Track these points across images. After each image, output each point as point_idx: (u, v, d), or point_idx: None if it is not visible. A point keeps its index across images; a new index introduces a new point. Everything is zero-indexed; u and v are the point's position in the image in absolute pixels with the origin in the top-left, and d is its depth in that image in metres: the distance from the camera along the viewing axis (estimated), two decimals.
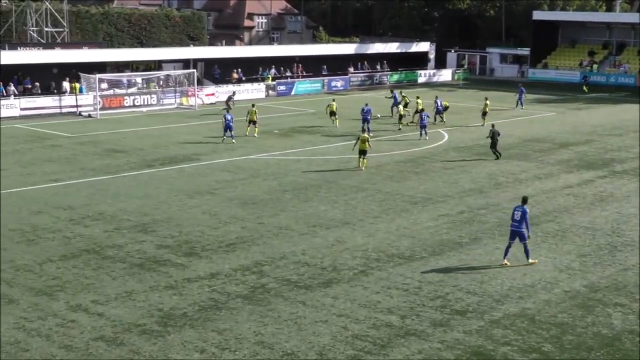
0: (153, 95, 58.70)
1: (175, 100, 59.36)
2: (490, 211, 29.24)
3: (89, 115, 53.62)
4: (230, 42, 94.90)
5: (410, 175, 35.29)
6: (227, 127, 43.00)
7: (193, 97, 59.09)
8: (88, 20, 75.60)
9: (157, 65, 65.04)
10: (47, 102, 54.26)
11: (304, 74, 73.77)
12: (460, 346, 17.43)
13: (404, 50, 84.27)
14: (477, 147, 42.64)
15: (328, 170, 35.99)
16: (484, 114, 50.51)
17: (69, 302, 19.64)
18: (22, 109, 52.53)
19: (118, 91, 58.05)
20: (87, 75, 55.65)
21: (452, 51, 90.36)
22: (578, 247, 25.00)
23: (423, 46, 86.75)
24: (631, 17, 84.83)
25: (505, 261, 22.95)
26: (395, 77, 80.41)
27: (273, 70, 71.20)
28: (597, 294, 20.86)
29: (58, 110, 54.25)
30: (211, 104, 59.76)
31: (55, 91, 56.41)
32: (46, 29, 67.31)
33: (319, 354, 16.95)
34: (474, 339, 17.85)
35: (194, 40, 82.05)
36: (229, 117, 43.18)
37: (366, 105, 46.70)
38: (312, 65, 74.59)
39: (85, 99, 55.32)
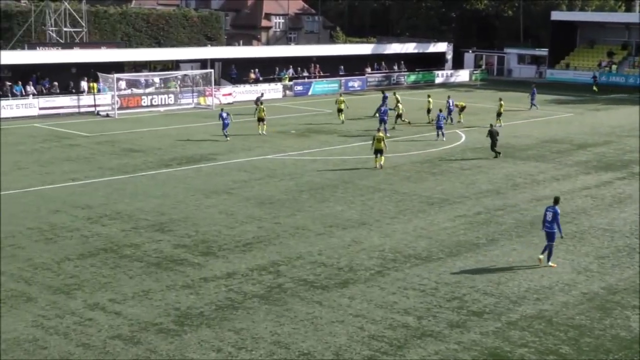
0: (171, 95, 58.89)
1: (193, 100, 59.51)
2: (508, 212, 29.12)
3: (107, 115, 53.87)
4: (248, 42, 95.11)
5: (427, 176, 35.22)
6: (225, 125, 43.74)
7: (210, 97, 59.23)
8: (106, 21, 75.95)
9: (175, 65, 65.25)
10: (65, 102, 54.56)
11: (321, 74, 73.75)
12: (477, 347, 17.37)
13: (421, 51, 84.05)
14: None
15: (345, 170, 35.97)
16: (499, 114, 50.36)
17: (87, 301, 19.73)
18: (40, 109, 52.84)
19: (136, 91, 58.28)
20: (105, 75, 55.92)
21: (470, 52, 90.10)
22: (596, 249, 24.85)
23: (440, 46, 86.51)
24: None
25: (541, 256, 22.94)
26: (413, 77, 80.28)
27: (290, 70, 71.28)
28: (615, 296, 20.73)
29: (76, 110, 54.53)
30: (228, 103, 59.85)
31: (74, 91, 56.70)
32: (65, 29, 67.63)
33: (335, 354, 16.94)
34: (491, 340, 17.78)
35: (211, 40, 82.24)
36: (224, 115, 43.92)
37: (383, 105, 46.61)
38: (330, 66, 74.57)
39: (103, 99, 55.57)
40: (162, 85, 60.27)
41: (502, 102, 50.69)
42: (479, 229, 26.90)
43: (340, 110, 50.89)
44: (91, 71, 57.36)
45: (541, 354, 17.08)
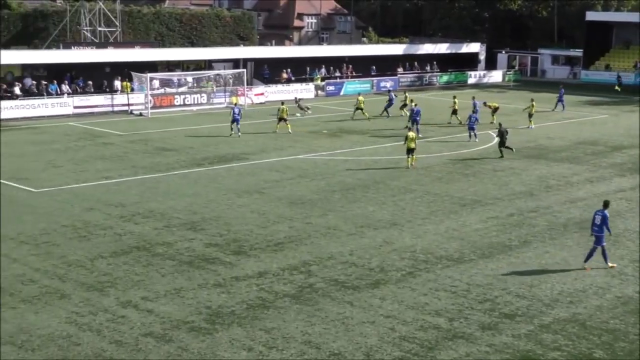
0: (203, 95, 59.17)
1: (225, 100, 59.74)
2: (541, 214, 28.89)
3: (140, 114, 54.26)
4: (280, 42, 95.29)
5: (460, 177, 35.05)
6: (234, 121, 44.49)
7: (242, 96, 59.44)
8: (140, 20, 76.49)
9: (208, 64, 65.56)
10: (99, 101, 55.02)
11: (354, 74, 73.68)
12: (508, 350, 17.25)
13: (453, 51, 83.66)
14: (527, 149, 42.19)
15: (376, 170, 35.91)
16: (530, 115, 50.05)
17: (119, 298, 19.89)
18: (75, 107, 53.34)
19: (169, 90, 58.64)
20: (138, 74, 56.34)
21: (503, 52, 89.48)
22: (631, 252, 24.56)
23: (473, 47, 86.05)
24: None
25: (586, 265, 22.73)
26: (445, 78, 79.94)
27: (322, 70, 71.30)
28: None
29: (110, 109, 54.98)
30: (260, 103, 60.01)
31: (108, 90, 57.19)
32: (99, 29, 68.25)
33: (366, 354, 16.91)
34: (523, 343, 17.64)
35: (244, 40, 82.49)
36: (236, 111, 44.81)
37: (415, 105, 46.53)
38: (362, 66, 74.48)
39: (136, 98, 55.98)
40: (195, 84, 60.57)
41: (533, 103, 50.32)
42: (511, 230, 26.71)
43: (359, 109, 52.15)
44: (125, 70, 57.84)
45: (574, 358, 16.92)
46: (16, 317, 18.51)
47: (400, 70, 77.59)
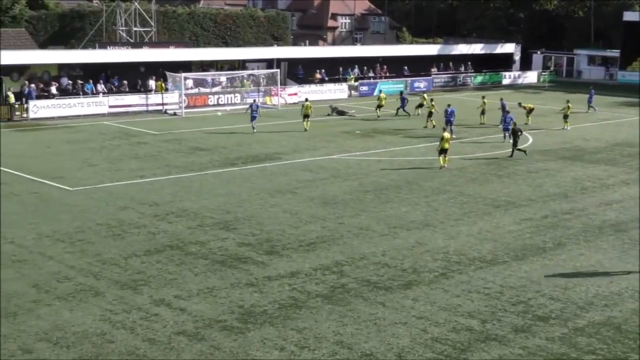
0: (237, 95, 59.40)
1: (259, 100, 59.84)
2: (576, 216, 28.61)
3: (174, 114, 54.60)
4: (314, 42, 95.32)
5: (493, 178, 34.82)
6: (252, 118, 45.70)
7: (276, 96, 59.57)
8: (175, 20, 77.04)
9: (241, 64, 65.79)
10: (134, 100, 55.41)
11: (388, 74, 73.51)
12: (542, 353, 17.10)
13: (488, 52, 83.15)
14: (563, 150, 41.82)
15: (409, 170, 35.80)
16: (566, 116, 49.60)
17: (153, 297, 20.03)
18: (110, 107, 53.79)
19: (203, 90, 58.94)
20: (173, 74, 56.70)
21: (538, 53, 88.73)
22: None
23: (508, 47, 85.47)
24: None
25: None
26: (479, 78, 79.48)
27: (356, 70, 71.22)
28: None
29: (144, 108, 55.35)
30: (293, 103, 60.12)
31: (142, 89, 57.63)
32: (135, 29, 68.84)
33: (398, 355, 16.86)
34: (557, 346, 17.48)
35: (277, 40, 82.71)
36: (254, 107, 46.06)
37: (449, 106, 46.34)
38: (396, 66, 74.28)
39: (170, 97, 56.34)
40: (229, 84, 60.81)
41: (569, 104, 49.87)
42: (545, 232, 26.48)
43: (380, 106, 53.58)
44: (159, 70, 58.25)
45: None
46: (51, 314, 18.72)
47: (434, 70, 77.28)
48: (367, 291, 20.65)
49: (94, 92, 55.12)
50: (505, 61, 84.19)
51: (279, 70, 61.80)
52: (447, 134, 36.74)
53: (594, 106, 58.03)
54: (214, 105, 57.50)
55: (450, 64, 79.61)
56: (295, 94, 62.47)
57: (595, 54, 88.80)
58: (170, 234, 25.54)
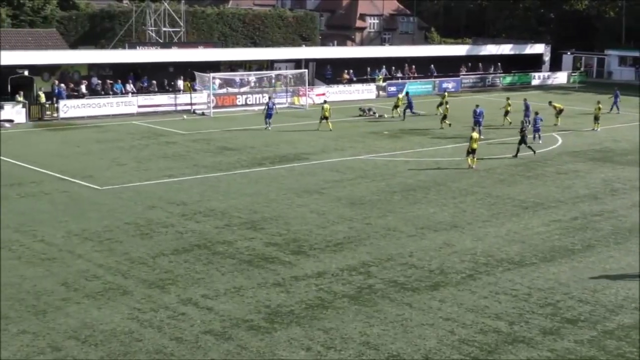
0: (265, 95, 59.49)
1: (287, 100, 60.00)
2: (605, 218, 28.35)
3: (203, 113, 54.83)
4: (342, 43, 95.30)
5: (522, 180, 34.60)
6: (268, 115, 46.76)
7: (304, 96, 59.64)
8: (204, 21, 77.42)
9: (270, 64, 65.94)
10: (163, 100, 55.69)
11: (416, 75, 73.27)
12: (570, 356, 16.95)
13: (517, 52, 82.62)
14: (592, 151, 41.47)
15: (437, 171, 35.67)
16: (596, 117, 49.17)
17: (180, 296, 20.12)
18: (139, 106, 54.12)
19: (231, 90, 59.15)
20: (201, 74, 56.95)
21: (568, 53, 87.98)
22: None
23: (538, 48, 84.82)
24: None
25: None
26: (508, 79, 78.97)
27: (384, 71, 71.08)
28: None
29: (173, 108, 55.59)
30: (321, 103, 59.98)
31: (170, 89, 57.95)
32: (164, 29, 69.31)
33: (425, 357, 16.80)
34: (586, 349, 17.32)
35: (306, 40, 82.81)
36: (270, 105, 46.89)
37: (477, 107, 46.12)
38: (424, 67, 74.01)
39: (199, 97, 56.57)
40: (257, 84, 60.97)
41: (600, 105, 49.43)
42: (574, 234, 26.27)
43: (396, 107, 54.18)
44: (188, 70, 58.54)
45: None
46: (80, 312, 18.88)
47: (463, 71, 76.92)
48: (394, 292, 20.61)
49: (123, 92, 55.50)
50: (534, 62, 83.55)
51: (307, 70, 61.85)
52: (475, 134, 36.66)
53: (618, 107, 57.39)
54: (242, 105, 57.67)
55: (479, 64, 79.16)
56: (323, 94, 62.45)
57: (627, 55, 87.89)
58: (197, 234, 25.65)
